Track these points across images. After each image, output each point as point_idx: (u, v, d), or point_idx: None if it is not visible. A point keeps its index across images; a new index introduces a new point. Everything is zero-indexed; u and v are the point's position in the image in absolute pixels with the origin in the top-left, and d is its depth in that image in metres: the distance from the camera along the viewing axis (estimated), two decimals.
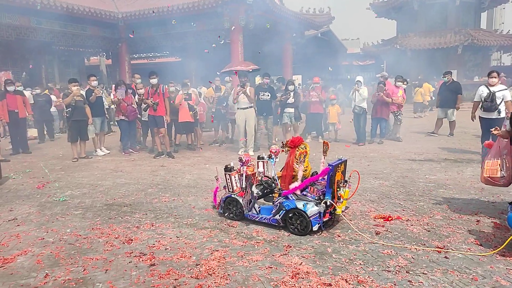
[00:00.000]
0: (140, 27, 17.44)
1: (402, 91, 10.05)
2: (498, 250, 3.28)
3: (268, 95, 8.87)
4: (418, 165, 6.90)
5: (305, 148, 4.42)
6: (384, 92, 9.29)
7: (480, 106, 7.40)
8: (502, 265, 3.09)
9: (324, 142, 4.49)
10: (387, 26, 27.78)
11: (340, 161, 4.08)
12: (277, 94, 9.28)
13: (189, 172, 6.79)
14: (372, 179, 5.93)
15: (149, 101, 8.06)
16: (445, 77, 10.46)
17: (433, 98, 16.09)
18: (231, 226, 4.12)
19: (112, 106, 10.68)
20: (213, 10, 15.50)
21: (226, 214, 4.35)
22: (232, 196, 4.31)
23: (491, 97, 7.22)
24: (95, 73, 10.17)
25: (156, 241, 3.74)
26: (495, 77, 7.39)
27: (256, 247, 3.56)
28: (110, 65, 22.31)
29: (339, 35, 30.00)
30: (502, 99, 7.21)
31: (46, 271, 3.18)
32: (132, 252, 3.50)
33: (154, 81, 8.16)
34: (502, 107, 7.22)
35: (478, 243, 3.51)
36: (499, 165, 3.90)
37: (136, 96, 8.72)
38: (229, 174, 4.38)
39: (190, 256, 3.38)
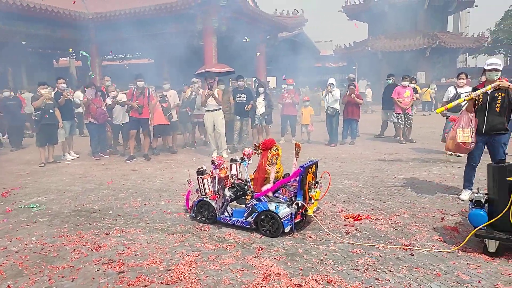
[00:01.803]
0: (112, 28, 17.06)
1: (410, 91, 9.62)
2: (460, 246, 3.41)
3: (244, 97, 8.88)
4: (387, 165, 7.09)
5: (277, 150, 4.46)
6: (355, 93, 9.49)
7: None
8: (463, 260, 3.22)
9: (296, 144, 4.54)
10: (359, 28, 28.33)
11: (311, 162, 4.14)
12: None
13: (161, 175, 6.71)
14: (343, 180, 6.04)
15: (135, 104, 7.98)
16: (388, 79, 10.44)
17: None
18: (203, 229, 4.10)
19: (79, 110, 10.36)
20: (186, 11, 15.37)
21: (198, 218, 4.32)
22: (205, 199, 4.29)
23: (457, 98, 7.51)
24: (64, 75, 9.89)
25: (126, 247, 3.67)
26: (463, 79, 7.69)
27: (228, 250, 3.56)
28: (80, 66, 21.75)
29: (312, 37, 30.41)
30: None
31: (8, 282, 3.06)
32: (101, 259, 3.43)
33: (141, 83, 8.12)
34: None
35: (442, 240, 3.64)
36: (471, 134, 4.49)
37: (109, 99, 8.55)
38: (201, 177, 4.36)
39: (161, 262, 3.34)
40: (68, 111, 8.49)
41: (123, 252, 3.56)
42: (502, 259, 3.23)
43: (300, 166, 3.93)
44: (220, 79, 10.11)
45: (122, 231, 4.09)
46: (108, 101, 8.54)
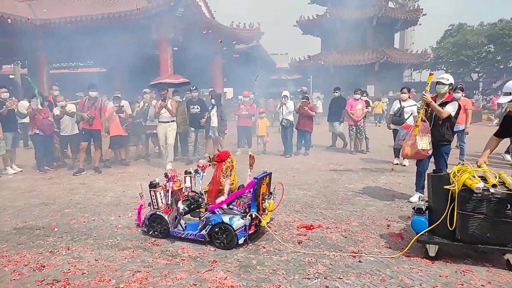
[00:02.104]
0: (61, 36, 16.35)
1: (362, 104, 10.00)
2: (403, 252, 3.60)
3: (198, 108, 8.85)
4: (338, 175, 7.34)
5: (232, 162, 4.49)
6: (308, 106, 9.77)
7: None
8: (407, 265, 3.41)
9: (250, 155, 4.59)
10: (314, 42, 29.42)
11: (265, 173, 4.20)
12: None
13: (112, 189, 6.48)
14: (297, 190, 6.18)
15: (85, 115, 7.69)
16: (335, 92, 10.77)
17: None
18: (156, 244, 4.01)
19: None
20: (140, 21, 15.13)
21: (150, 232, 4.22)
22: (157, 213, 4.21)
23: (400, 111, 7.99)
24: (7, 84, 9.33)
25: (72, 265, 3.50)
26: (404, 93, 8.18)
27: (181, 264, 3.50)
28: (26, 74, 20.59)
29: (268, 50, 30.99)
30: (411, 113, 7.99)
31: None
32: (44, 279, 3.24)
33: (93, 94, 7.86)
34: (410, 121, 7.96)
35: (388, 246, 3.82)
36: (429, 142, 4.79)
37: (57, 109, 8.16)
38: (154, 190, 4.27)
39: (110, 280, 3.22)
40: (10, 122, 8.00)
41: (69, 271, 3.39)
42: (441, 262, 3.45)
43: (254, 178, 3.98)
44: (176, 90, 10.03)
45: (69, 249, 3.90)
46: (56, 111, 8.16)
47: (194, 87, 9.25)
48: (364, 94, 10.83)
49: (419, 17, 27.47)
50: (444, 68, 33.78)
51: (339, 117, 10.42)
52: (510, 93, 3.69)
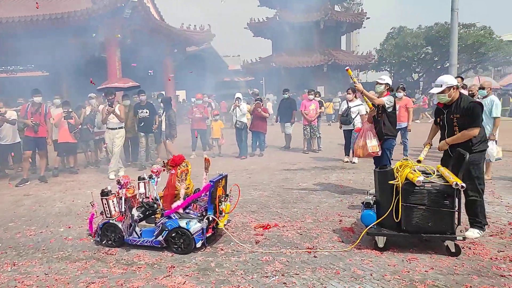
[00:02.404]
0: None
1: (316, 104, 10.25)
2: (355, 245, 3.80)
3: (147, 112, 8.64)
4: (292, 174, 7.54)
5: (187, 166, 4.46)
6: (261, 107, 9.92)
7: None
8: (358, 257, 3.59)
9: (205, 158, 4.60)
10: (266, 43, 29.86)
11: (221, 176, 4.23)
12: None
13: (61, 199, 6.18)
14: (253, 191, 6.26)
15: (29, 121, 7.25)
16: (284, 93, 10.96)
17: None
18: (110, 254, 3.89)
19: None
20: (86, 23, 14.50)
21: (104, 242, 4.09)
22: (110, 221, 4.09)
23: (347, 111, 8.36)
24: None
25: (19, 282, 3.31)
26: (349, 94, 8.56)
27: (137, 272, 3.44)
28: None
29: (220, 52, 30.98)
30: (358, 113, 8.38)
31: None
32: None
33: (38, 99, 7.42)
34: (357, 120, 8.36)
35: (341, 240, 4.01)
36: (378, 144, 5.30)
37: None
38: (106, 198, 4.15)
39: None
40: None
41: None
42: (389, 252, 3.67)
43: (210, 181, 4.00)
44: (126, 94, 9.73)
45: (14, 265, 3.68)
46: None
47: (142, 90, 9.04)
48: (317, 95, 11.19)
49: (363, 21, 28.79)
50: (388, 69, 35.65)
51: (290, 118, 10.66)
52: (441, 85, 4.04)
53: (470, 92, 7.60)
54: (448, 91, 3.99)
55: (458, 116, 3.96)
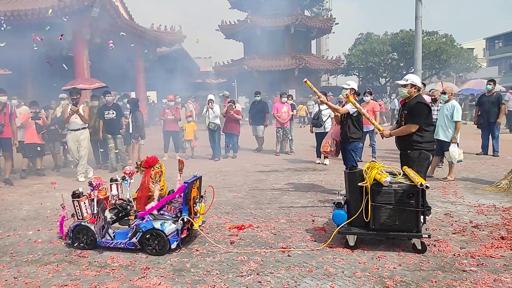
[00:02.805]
0: None
1: (288, 107, 10.42)
2: (327, 243, 3.93)
3: (113, 113, 8.47)
4: (266, 176, 7.64)
5: (161, 168, 4.44)
6: (234, 110, 9.98)
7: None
8: (331, 255, 3.72)
9: (179, 160, 4.61)
10: (238, 46, 29.88)
11: (195, 177, 4.26)
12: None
13: (28, 202, 5.97)
14: (227, 192, 6.31)
15: None
16: (256, 96, 11.11)
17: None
18: (82, 256, 3.83)
19: None
20: (51, 21, 14.03)
21: (76, 244, 4.01)
22: (82, 223, 4.02)
23: (318, 115, 8.57)
24: None
25: None
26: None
27: (111, 274, 3.41)
28: None
29: (191, 53, 30.74)
30: (329, 116, 8.60)
31: None
32: None
33: (3, 98, 7.13)
34: (328, 123, 8.58)
35: (313, 240, 4.13)
36: (329, 142, 5.92)
37: None
38: (77, 200, 4.07)
39: None
40: None
41: None
42: (360, 250, 3.82)
43: (185, 182, 4.02)
44: (94, 94, 9.52)
45: None
46: None
47: (108, 91, 8.86)
48: (290, 98, 11.37)
49: (332, 26, 29.49)
50: (356, 73, 36.68)
51: (262, 120, 10.76)
52: (407, 80, 4.50)
53: (432, 97, 8.01)
54: (410, 88, 4.47)
55: (406, 113, 4.50)
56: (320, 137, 8.73)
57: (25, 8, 13.91)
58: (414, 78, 4.51)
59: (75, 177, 7.69)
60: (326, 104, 5.56)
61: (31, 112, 7.86)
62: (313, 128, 8.84)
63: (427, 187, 3.62)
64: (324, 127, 8.56)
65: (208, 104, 9.67)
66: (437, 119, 7.55)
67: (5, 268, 3.58)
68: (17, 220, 5.04)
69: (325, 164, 8.63)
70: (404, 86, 4.48)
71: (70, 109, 7.33)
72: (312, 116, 8.98)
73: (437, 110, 7.73)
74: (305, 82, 5.23)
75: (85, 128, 7.59)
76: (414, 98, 4.49)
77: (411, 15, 17.89)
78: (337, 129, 5.80)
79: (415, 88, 4.48)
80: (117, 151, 8.59)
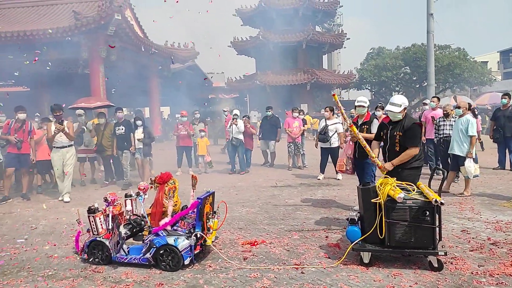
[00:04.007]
0: None
1: (299, 122, 10.39)
2: (341, 261, 3.88)
3: (123, 129, 8.57)
4: (279, 191, 7.63)
5: (174, 184, 4.50)
6: (249, 125, 10.10)
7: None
8: (345, 273, 3.68)
9: (192, 176, 4.65)
10: (250, 61, 30.23)
11: (208, 193, 4.29)
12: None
13: (44, 217, 6.07)
14: (240, 207, 6.31)
15: (12, 138, 7.13)
16: (268, 111, 11.10)
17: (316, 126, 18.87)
18: (97, 271, 3.86)
19: None
20: (68, 39, 14.48)
21: (91, 260, 4.06)
22: (98, 239, 4.07)
23: (324, 129, 8.55)
24: None
25: None
26: (327, 111, 8.77)
27: None
28: None
29: (204, 69, 31.21)
30: (335, 131, 8.59)
31: None
32: None
33: (22, 116, 7.29)
34: (334, 139, 8.54)
35: (327, 256, 4.09)
36: (344, 161, 5.80)
37: None
38: (93, 216, 4.14)
39: None
40: None
41: None
42: (375, 268, 3.77)
43: (198, 198, 4.05)
44: (101, 112, 9.68)
45: None
46: None
47: (119, 108, 8.98)
48: (301, 113, 11.40)
49: (343, 41, 29.62)
50: (369, 88, 36.59)
51: (274, 135, 10.79)
52: (401, 105, 4.41)
53: (444, 112, 7.95)
54: (404, 111, 4.45)
55: (401, 134, 4.42)
56: (325, 152, 8.72)
57: (43, 28, 14.38)
58: (405, 100, 4.49)
59: (89, 193, 7.79)
60: (363, 145, 4.96)
61: (44, 129, 8.03)
62: (319, 143, 8.81)
63: (442, 203, 3.57)
64: (330, 142, 8.53)
65: (233, 119, 9.76)
66: (449, 134, 7.49)
67: (23, 283, 3.64)
68: (34, 235, 5.12)
69: (338, 179, 8.58)
70: (400, 112, 4.40)
71: (56, 127, 7.08)
72: (318, 131, 8.96)
73: (450, 125, 7.67)
74: (333, 95, 5.21)
75: (71, 145, 7.38)
76: (407, 118, 4.47)
77: (423, 29, 17.89)
78: (352, 147, 5.72)
79: (404, 109, 4.46)
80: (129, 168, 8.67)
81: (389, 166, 4.47)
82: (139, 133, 8.75)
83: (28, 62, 13.81)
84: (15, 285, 3.59)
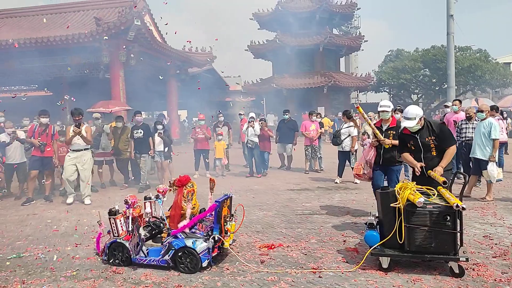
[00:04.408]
0: (1, 58, 15.65)
1: (316, 125, 10.34)
2: (359, 265, 3.85)
3: (141, 132, 8.65)
4: (296, 194, 7.60)
5: (193, 187, 4.55)
6: (267, 128, 10.14)
7: None
8: (363, 277, 3.64)
9: (210, 179, 4.69)
10: (266, 65, 30.38)
11: (226, 196, 4.32)
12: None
13: (66, 219, 6.22)
14: (257, 211, 6.32)
15: (36, 141, 7.35)
16: (285, 114, 11.02)
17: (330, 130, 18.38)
18: (117, 273, 3.94)
19: None
20: (90, 44, 14.86)
21: (111, 261, 4.14)
22: (118, 240, 4.15)
23: (337, 133, 8.50)
24: None
25: None
26: (343, 118, 8.70)
27: None
28: None
29: (221, 73, 31.45)
30: (348, 134, 8.51)
31: None
32: None
33: (45, 120, 7.52)
34: (346, 142, 8.47)
35: (345, 261, 4.06)
36: (362, 165, 5.50)
37: (4, 135, 7.79)
38: (113, 217, 4.22)
39: None
40: None
41: None
42: (394, 273, 3.72)
43: (216, 201, 4.09)
44: (120, 115, 9.85)
45: (24, 283, 3.72)
46: (4, 137, 7.75)
47: (138, 111, 9.07)
48: (318, 116, 11.36)
49: (361, 44, 29.40)
50: (387, 90, 36.14)
51: (291, 139, 10.77)
52: (415, 118, 4.31)
53: (467, 115, 7.78)
54: (420, 121, 4.38)
55: (434, 138, 4.39)
56: (342, 155, 8.68)
57: (66, 34, 14.78)
58: (418, 111, 4.36)
59: (110, 195, 7.94)
60: (391, 143, 5.10)
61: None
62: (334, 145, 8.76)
63: (463, 208, 3.50)
64: (341, 146, 8.48)
65: (250, 122, 9.82)
66: (471, 137, 7.32)
67: (46, 282, 3.74)
68: (56, 236, 5.25)
69: (356, 183, 8.49)
70: (417, 123, 4.33)
71: (73, 130, 7.15)
72: (333, 134, 8.93)
73: (472, 128, 7.50)
74: (357, 108, 5.15)
75: (87, 149, 7.41)
76: (432, 122, 4.50)
77: (443, 31, 17.60)
78: (372, 153, 5.50)
79: (420, 119, 4.37)
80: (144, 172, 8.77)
81: (440, 170, 4.28)
82: (158, 137, 8.77)
83: (70, 68, 14.34)
84: (39, 285, 3.69)
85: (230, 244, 4.23)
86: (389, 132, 5.29)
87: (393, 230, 3.74)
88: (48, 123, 7.67)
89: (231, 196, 4.47)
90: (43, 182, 7.80)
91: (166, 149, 8.88)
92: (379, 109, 5.42)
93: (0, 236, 5.34)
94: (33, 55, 15.13)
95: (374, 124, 5.51)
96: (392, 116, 5.49)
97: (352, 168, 6.65)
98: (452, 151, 4.39)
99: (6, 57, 15.51)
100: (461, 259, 3.54)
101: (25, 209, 6.99)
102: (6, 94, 23.57)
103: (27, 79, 18.65)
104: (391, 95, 36.45)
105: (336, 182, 8.63)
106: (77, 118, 7.23)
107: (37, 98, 22.60)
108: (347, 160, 8.77)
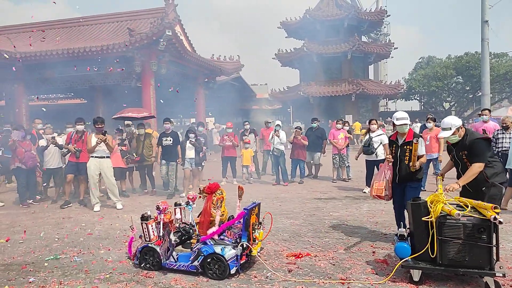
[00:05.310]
0: (41, 68, 16.49)
1: (344, 133, 10.35)
2: (389, 277, 3.78)
3: (170, 140, 8.76)
4: (323, 203, 7.55)
5: (222, 194, 4.62)
6: (301, 136, 10.14)
7: None
8: None
9: (239, 186, 4.75)
10: (293, 73, 30.42)
11: (254, 204, 4.36)
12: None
13: (100, 222, 6.45)
14: (284, 219, 6.32)
15: (72, 147, 7.71)
16: (313, 123, 10.81)
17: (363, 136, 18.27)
18: (148, 277, 4.05)
19: None
20: (123, 54, 15.42)
21: (142, 265, 4.26)
22: (149, 245, 4.27)
23: (369, 142, 8.35)
24: None
25: None
26: (374, 124, 8.54)
27: None
28: (3, 106, 20.36)
29: (248, 81, 31.76)
30: (380, 143, 8.35)
31: None
32: None
33: (80, 127, 7.87)
34: (380, 151, 8.30)
35: (374, 272, 3.99)
36: (384, 186, 4.95)
37: (44, 140, 8.23)
38: (145, 223, 4.35)
39: None
40: None
41: None
42: (425, 286, 3.63)
43: (244, 208, 4.13)
44: (141, 122, 10.11)
45: (61, 283, 3.89)
46: (43, 142, 8.17)
47: (167, 118, 9.18)
48: (346, 124, 11.27)
49: (391, 51, 28.92)
50: (417, 98, 35.32)
51: (319, 147, 10.70)
52: (450, 128, 4.18)
53: (504, 124, 7.51)
54: (457, 132, 4.20)
55: (466, 153, 4.19)
56: (371, 164, 8.41)
57: (101, 44, 15.40)
58: (454, 121, 4.20)
59: (141, 201, 8.15)
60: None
61: (118, 139, 8.66)
62: (365, 155, 8.56)
63: (500, 222, 3.39)
64: (376, 154, 8.29)
65: (275, 131, 9.88)
66: (508, 147, 7.05)
67: (81, 284, 3.89)
68: (90, 239, 5.46)
69: (364, 192, 8.36)
70: (452, 134, 4.18)
71: (99, 138, 7.29)
72: (362, 144, 8.75)
73: (509, 138, 7.23)
74: (414, 144, 4.76)
75: (108, 157, 7.61)
76: (468, 135, 4.20)
77: (477, 37, 17.12)
78: (390, 171, 4.99)
79: (460, 128, 4.20)
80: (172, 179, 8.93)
81: (455, 186, 4.09)
82: (189, 144, 8.78)
83: (111, 68, 15.06)
84: (75, 286, 3.85)
85: (258, 252, 4.26)
86: (406, 147, 4.84)
87: (427, 244, 3.65)
88: (84, 130, 8.01)
89: (259, 204, 4.51)
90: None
91: (201, 154, 9.05)
92: (397, 122, 4.87)
93: (39, 238, 5.59)
94: (69, 65, 15.84)
95: (389, 138, 5.20)
96: (409, 128, 5.14)
97: None
98: (473, 169, 4.03)
99: (46, 67, 16.32)
100: (497, 274, 3.42)
101: (61, 212, 7.29)
102: (43, 102, 24.79)
103: (64, 88, 19.50)
104: (422, 103, 35.59)
105: (365, 192, 8.49)
106: (99, 126, 7.40)
107: (71, 105, 23.60)
108: (376, 169, 8.61)
